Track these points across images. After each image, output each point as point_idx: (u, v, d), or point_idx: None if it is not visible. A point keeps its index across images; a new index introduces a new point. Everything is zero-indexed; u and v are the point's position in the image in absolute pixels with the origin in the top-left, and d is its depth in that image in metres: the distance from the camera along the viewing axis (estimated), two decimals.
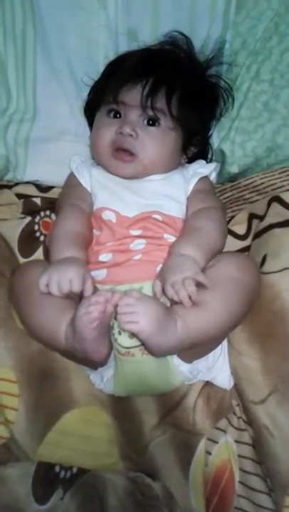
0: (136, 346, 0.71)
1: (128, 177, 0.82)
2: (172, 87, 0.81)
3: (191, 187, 0.83)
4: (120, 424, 0.78)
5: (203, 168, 0.86)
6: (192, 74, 0.85)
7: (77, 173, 0.86)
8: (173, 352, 0.72)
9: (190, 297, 0.66)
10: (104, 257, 0.77)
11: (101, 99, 0.84)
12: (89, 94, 0.89)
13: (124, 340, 0.72)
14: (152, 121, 0.81)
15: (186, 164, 0.88)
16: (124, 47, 0.89)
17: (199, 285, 0.68)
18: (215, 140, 0.91)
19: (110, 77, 0.84)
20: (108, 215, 0.79)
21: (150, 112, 0.80)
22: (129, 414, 0.78)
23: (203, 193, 0.83)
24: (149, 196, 0.81)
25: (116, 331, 0.72)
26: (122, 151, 0.80)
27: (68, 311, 0.70)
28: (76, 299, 0.72)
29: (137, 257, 0.76)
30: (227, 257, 0.75)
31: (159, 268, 0.74)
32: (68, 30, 0.87)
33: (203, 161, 0.88)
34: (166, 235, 0.78)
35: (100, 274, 0.76)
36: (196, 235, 0.76)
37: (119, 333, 0.72)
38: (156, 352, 0.69)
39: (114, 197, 0.81)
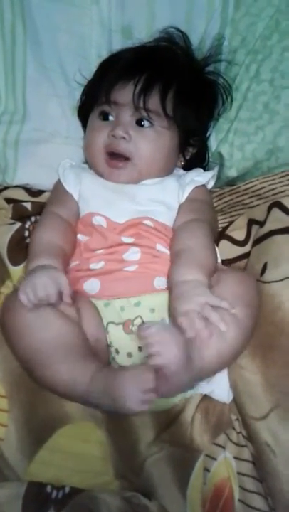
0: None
1: (124, 183, 0.79)
2: (167, 84, 0.78)
3: (185, 195, 0.80)
4: (115, 441, 0.75)
5: (200, 177, 0.83)
6: (189, 71, 0.82)
7: (63, 179, 0.83)
8: (184, 391, 0.69)
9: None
10: (95, 264, 0.74)
11: (93, 100, 0.82)
12: (82, 97, 0.86)
13: (122, 359, 0.69)
14: (146, 121, 0.78)
15: (183, 171, 0.85)
16: (118, 44, 0.86)
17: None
18: (213, 142, 0.88)
19: (102, 77, 0.82)
20: (98, 220, 0.77)
21: (143, 112, 0.77)
22: (124, 430, 0.75)
23: (196, 203, 0.80)
24: (141, 202, 0.78)
25: (113, 349, 0.70)
26: (116, 157, 0.78)
27: (89, 363, 0.65)
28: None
29: (132, 268, 0.73)
30: (227, 276, 0.72)
31: (156, 281, 0.72)
32: (59, 27, 0.84)
33: (200, 170, 0.85)
34: (158, 246, 0.75)
35: (93, 287, 0.73)
36: (190, 257, 0.72)
37: (117, 352, 0.69)
38: (171, 391, 0.66)
39: (105, 202, 0.78)
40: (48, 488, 0.72)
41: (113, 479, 0.73)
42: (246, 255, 0.82)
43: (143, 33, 0.85)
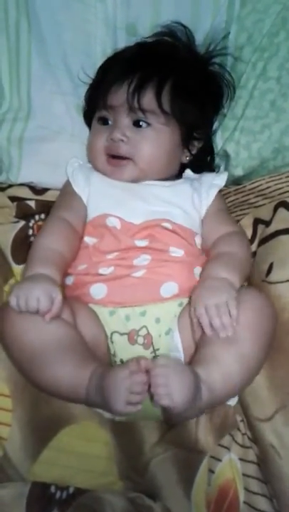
0: None
1: (128, 181, 0.79)
2: (162, 79, 0.77)
3: (211, 198, 0.80)
4: (119, 441, 0.74)
5: (218, 178, 0.82)
6: (190, 64, 0.81)
7: (72, 179, 0.82)
8: (192, 418, 0.70)
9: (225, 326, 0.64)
10: (104, 270, 0.73)
11: (94, 105, 0.82)
12: (85, 101, 0.85)
13: None
14: (143, 122, 0.77)
15: (194, 174, 0.84)
16: (123, 42, 0.85)
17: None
18: (219, 141, 0.87)
19: (100, 81, 0.82)
20: (112, 222, 0.76)
21: (139, 113, 0.76)
22: (129, 430, 0.75)
23: (223, 213, 0.81)
24: (155, 202, 0.78)
25: (118, 359, 0.70)
26: (116, 158, 0.78)
27: (88, 365, 0.65)
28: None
29: (140, 273, 0.72)
30: (246, 300, 0.69)
31: (163, 288, 0.71)
32: (64, 24, 0.83)
33: (213, 173, 0.85)
34: (172, 248, 0.74)
35: (99, 291, 0.72)
36: (231, 260, 0.73)
37: (122, 362, 0.69)
38: (178, 421, 0.68)
39: (117, 203, 0.77)
40: (52, 489, 0.71)
41: (117, 479, 0.73)
42: (252, 255, 0.81)
43: (148, 31, 0.83)
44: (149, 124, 0.77)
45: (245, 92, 0.83)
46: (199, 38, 0.84)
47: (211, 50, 0.83)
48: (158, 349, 0.71)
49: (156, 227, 0.75)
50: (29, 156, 0.87)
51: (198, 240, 0.78)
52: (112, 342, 0.71)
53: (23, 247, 0.86)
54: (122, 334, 0.71)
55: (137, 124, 0.77)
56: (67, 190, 0.83)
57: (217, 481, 0.73)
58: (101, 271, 0.73)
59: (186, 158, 0.83)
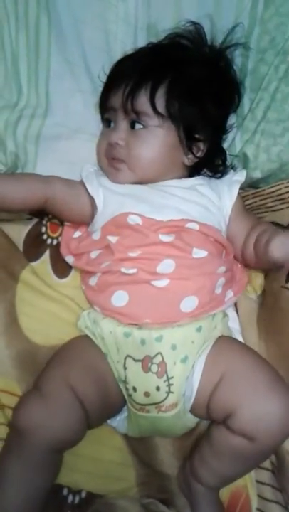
0: (152, 404, 0.68)
1: (126, 183, 0.78)
2: (158, 80, 0.75)
3: (234, 196, 0.80)
4: (134, 448, 0.73)
5: (237, 176, 0.82)
6: (194, 64, 0.78)
7: (86, 180, 0.79)
8: None
9: None
10: (127, 269, 0.72)
11: (102, 109, 0.82)
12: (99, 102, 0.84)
13: (139, 397, 0.68)
14: (137, 124, 0.76)
15: (209, 174, 0.84)
16: (143, 42, 0.84)
17: None
18: (238, 143, 0.86)
19: (106, 85, 0.81)
20: (134, 219, 0.74)
21: (132, 115, 0.76)
22: (143, 437, 0.74)
23: (248, 212, 0.83)
24: (174, 199, 0.76)
25: (130, 386, 0.69)
26: (115, 159, 0.78)
27: None
28: None
29: (162, 283, 0.71)
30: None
31: (183, 303, 0.70)
32: (84, 21, 0.82)
33: (231, 172, 0.84)
34: (195, 249, 0.73)
35: (121, 299, 0.71)
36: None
37: (134, 390, 0.69)
38: None
39: (136, 201, 0.76)
40: (65, 491, 0.70)
41: (133, 485, 0.72)
42: None
43: (169, 31, 0.82)
44: (144, 126, 0.76)
45: (266, 94, 0.82)
46: (220, 39, 0.82)
47: (223, 47, 0.81)
48: (172, 377, 0.69)
49: (181, 223, 0.74)
50: (45, 153, 0.85)
51: (221, 237, 0.77)
52: (126, 368, 0.69)
53: (35, 244, 0.85)
54: (136, 360, 0.69)
55: (133, 126, 0.77)
56: (76, 186, 0.80)
57: (228, 488, 0.72)
58: (123, 269, 0.71)
59: (188, 161, 0.80)
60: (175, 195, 0.77)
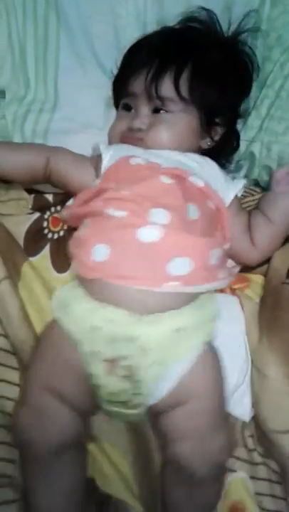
0: (116, 402, 0.65)
1: None
2: (181, 65, 0.76)
3: (238, 187, 0.77)
4: (133, 463, 0.72)
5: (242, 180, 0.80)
6: (212, 47, 0.79)
7: (100, 143, 0.77)
8: None
9: None
10: (113, 211, 0.65)
11: (119, 94, 0.81)
12: (112, 91, 0.84)
13: (103, 393, 0.65)
14: (161, 110, 0.76)
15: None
16: None
17: None
18: (242, 141, 0.85)
19: (122, 70, 0.81)
20: (136, 160, 0.71)
21: (156, 101, 0.75)
22: (140, 450, 0.72)
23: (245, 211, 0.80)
24: (186, 159, 0.74)
25: (94, 382, 0.65)
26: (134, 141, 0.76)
27: None
28: None
29: (152, 236, 0.63)
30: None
31: (172, 263, 0.63)
32: (93, 16, 0.83)
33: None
34: (194, 206, 0.68)
35: (101, 254, 0.64)
36: None
37: (97, 388, 0.66)
38: None
39: (142, 152, 0.73)
40: None
41: (134, 500, 0.69)
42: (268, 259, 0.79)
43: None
44: (168, 111, 0.76)
45: (271, 91, 0.82)
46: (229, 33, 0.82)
47: (237, 32, 0.82)
48: (139, 381, 0.62)
49: (186, 175, 0.70)
50: None
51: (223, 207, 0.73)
52: (91, 364, 0.63)
53: (36, 239, 0.84)
54: (102, 360, 0.62)
55: (157, 111, 0.76)
56: (82, 157, 0.78)
57: (224, 505, 0.69)
58: (111, 211, 0.65)
59: (207, 144, 0.80)
60: (180, 162, 0.74)
